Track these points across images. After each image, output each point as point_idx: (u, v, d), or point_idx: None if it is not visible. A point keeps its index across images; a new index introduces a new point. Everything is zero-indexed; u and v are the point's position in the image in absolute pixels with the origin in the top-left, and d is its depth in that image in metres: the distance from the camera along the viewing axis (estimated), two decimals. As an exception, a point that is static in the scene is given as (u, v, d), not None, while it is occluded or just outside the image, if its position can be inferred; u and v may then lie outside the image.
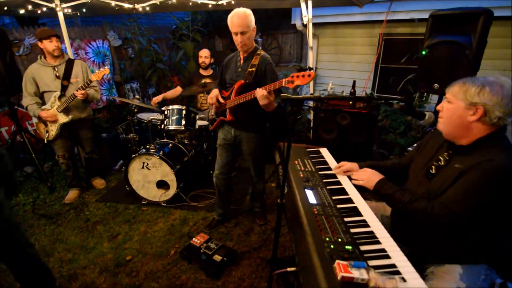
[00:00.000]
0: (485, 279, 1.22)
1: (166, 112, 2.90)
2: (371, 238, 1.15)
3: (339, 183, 1.55)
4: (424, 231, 1.31)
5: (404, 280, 0.95)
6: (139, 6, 3.60)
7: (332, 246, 1.04)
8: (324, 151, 1.93)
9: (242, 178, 3.39)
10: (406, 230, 1.36)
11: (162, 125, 2.91)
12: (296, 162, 1.72)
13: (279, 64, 7.25)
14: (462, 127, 1.19)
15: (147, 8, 3.63)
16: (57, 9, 3.21)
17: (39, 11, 3.38)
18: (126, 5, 3.57)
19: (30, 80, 2.73)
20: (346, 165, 1.62)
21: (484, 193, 1.10)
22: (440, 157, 1.29)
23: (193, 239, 2.32)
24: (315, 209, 1.26)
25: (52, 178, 3.47)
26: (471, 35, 2.10)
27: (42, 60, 2.76)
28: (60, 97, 2.77)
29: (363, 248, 1.07)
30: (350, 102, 3.11)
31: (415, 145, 2.06)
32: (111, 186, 3.43)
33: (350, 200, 1.40)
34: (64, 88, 2.79)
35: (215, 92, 2.22)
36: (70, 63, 2.83)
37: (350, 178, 1.58)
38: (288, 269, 1.20)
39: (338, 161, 1.72)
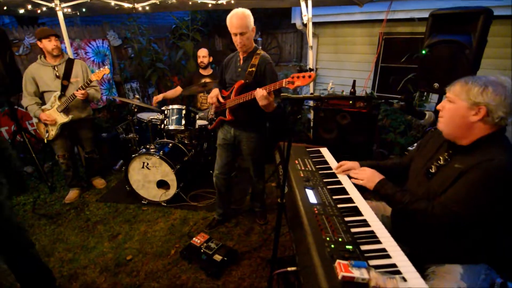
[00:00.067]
0: (485, 279, 1.22)
1: (166, 112, 2.90)
2: (372, 237, 1.15)
3: (339, 182, 1.55)
4: (425, 231, 1.31)
5: (404, 279, 0.95)
6: (138, 6, 3.59)
7: (332, 246, 1.04)
8: (324, 151, 1.93)
9: (242, 178, 3.39)
10: (407, 230, 1.36)
11: (162, 125, 2.91)
12: (297, 161, 1.72)
13: (279, 63, 7.25)
14: (464, 127, 1.18)
15: (147, 8, 3.62)
16: (57, 8, 3.21)
17: (38, 11, 3.37)
18: (126, 5, 3.57)
19: (30, 80, 2.72)
20: (347, 164, 1.62)
21: (484, 193, 1.10)
22: (440, 157, 1.29)
23: (194, 239, 2.32)
24: (315, 209, 1.26)
25: (52, 178, 3.47)
26: (471, 34, 2.09)
27: (42, 59, 2.76)
28: (60, 97, 2.77)
29: (363, 247, 1.07)
30: (350, 102, 3.11)
31: (415, 144, 2.06)
32: (111, 186, 3.44)
33: (350, 200, 1.40)
34: (64, 88, 2.79)
35: (215, 91, 2.22)
36: (70, 63, 2.83)
37: (350, 178, 1.58)
38: (289, 268, 1.20)
39: (338, 160, 1.72)
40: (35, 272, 1.83)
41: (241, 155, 2.43)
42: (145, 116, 3.40)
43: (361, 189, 1.48)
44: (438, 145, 1.36)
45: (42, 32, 2.67)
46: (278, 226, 1.40)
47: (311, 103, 3.61)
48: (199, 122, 3.18)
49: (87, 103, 3.04)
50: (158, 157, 2.77)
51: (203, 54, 3.65)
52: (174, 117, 2.88)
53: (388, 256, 1.06)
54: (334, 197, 1.38)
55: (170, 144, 3.12)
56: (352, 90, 3.37)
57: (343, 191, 1.47)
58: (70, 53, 3.37)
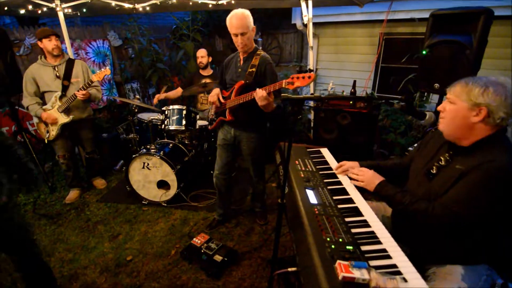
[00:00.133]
0: (486, 280, 1.21)
1: (166, 112, 2.91)
2: (372, 238, 1.15)
3: (340, 183, 1.55)
4: (425, 232, 1.30)
5: (405, 280, 0.95)
6: (139, 6, 3.59)
7: (333, 246, 1.04)
8: (325, 151, 1.93)
9: (242, 178, 3.39)
10: (407, 230, 1.36)
11: (163, 125, 2.91)
12: (297, 162, 1.72)
13: (280, 64, 7.25)
14: (465, 128, 1.18)
15: (147, 8, 3.63)
16: (57, 9, 3.21)
17: (39, 11, 3.38)
18: (127, 5, 3.57)
19: (30, 80, 2.73)
20: (347, 164, 1.62)
21: (485, 194, 1.10)
22: (441, 157, 1.29)
23: (194, 239, 2.32)
24: (316, 209, 1.26)
25: (52, 178, 3.47)
26: (471, 34, 2.09)
27: (42, 60, 2.77)
28: (61, 97, 2.77)
29: (364, 248, 1.07)
30: (351, 102, 3.11)
31: (415, 145, 2.06)
32: (112, 186, 3.44)
33: (351, 200, 1.40)
34: (64, 88, 2.79)
35: (216, 90, 2.22)
36: (70, 63, 2.83)
37: (351, 179, 1.58)
38: (289, 269, 1.20)
39: (338, 161, 1.71)
40: (37, 272, 1.84)
41: (241, 155, 2.43)
42: (145, 116, 3.40)
43: (361, 189, 1.48)
44: (439, 145, 1.36)
45: (43, 32, 2.67)
46: (279, 226, 1.40)
47: (311, 103, 3.62)
48: (200, 123, 3.18)
49: (88, 103, 3.05)
50: (158, 157, 2.77)
51: (201, 54, 3.64)
52: (174, 118, 2.88)
53: (388, 257, 1.06)
54: (334, 197, 1.38)
55: (171, 145, 3.12)
56: (352, 90, 3.37)
57: (344, 191, 1.47)
58: (70, 53, 3.38)
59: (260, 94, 1.83)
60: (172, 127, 2.88)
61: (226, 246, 2.28)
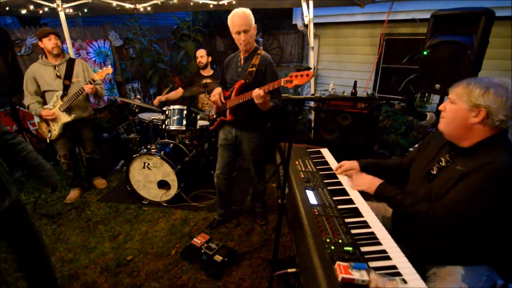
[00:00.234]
0: (486, 280, 1.21)
1: (167, 112, 2.91)
2: (372, 239, 1.15)
3: (340, 183, 1.55)
4: (426, 232, 1.30)
5: (405, 281, 0.95)
6: (140, 6, 3.60)
7: (332, 247, 1.04)
8: (325, 152, 1.93)
9: (243, 178, 3.39)
10: (407, 231, 1.36)
11: (163, 125, 2.91)
12: (297, 162, 1.72)
13: (280, 64, 7.25)
14: (464, 128, 1.18)
15: (148, 8, 3.63)
16: (59, 9, 3.22)
17: (40, 11, 3.39)
18: (128, 5, 3.58)
19: (31, 80, 2.73)
20: (346, 164, 1.62)
21: (486, 195, 1.10)
22: (442, 158, 1.29)
23: (194, 239, 2.32)
24: (315, 210, 1.26)
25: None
26: (472, 35, 2.09)
27: (43, 59, 2.77)
28: (62, 97, 2.78)
29: (363, 249, 1.07)
30: (352, 103, 3.10)
31: (416, 145, 2.05)
32: (112, 186, 3.44)
33: (351, 201, 1.39)
34: (65, 88, 2.80)
35: (218, 90, 2.21)
36: (71, 63, 2.84)
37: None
38: (289, 270, 1.20)
39: (339, 161, 1.71)
40: (39, 271, 1.85)
41: (242, 155, 2.43)
42: (146, 116, 3.40)
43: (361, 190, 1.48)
44: (440, 146, 1.36)
45: (42, 32, 2.69)
46: (279, 227, 1.40)
47: (312, 104, 3.61)
48: (200, 123, 3.19)
49: (88, 103, 3.06)
50: (159, 157, 2.77)
51: (201, 54, 3.65)
52: (175, 118, 2.88)
53: (388, 258, 1.06)
54: (334, 198, 1.38)
55: (171, 145, 3.12)
56: (353, 91, 3.37)
57: (344, 192, 1.47)
58: (71, 53, 3.38)
59: (256, 92, 1.83)
60: (172, 127, 2.88)
61: (226, 246, 2.28)
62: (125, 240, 2.53)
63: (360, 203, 1.37)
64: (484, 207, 1.11)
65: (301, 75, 1.64)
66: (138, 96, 3.46)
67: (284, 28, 7.32)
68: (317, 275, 0.94)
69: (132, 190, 3.00)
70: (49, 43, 2.68)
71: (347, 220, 1.23)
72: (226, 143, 2.35)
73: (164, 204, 2.97)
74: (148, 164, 2.85)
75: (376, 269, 0.97)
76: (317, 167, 1.68)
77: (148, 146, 2.92)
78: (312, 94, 3.96)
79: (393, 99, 3.90)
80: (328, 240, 1.08)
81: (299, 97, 1.30)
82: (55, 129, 2.82)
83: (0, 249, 2.36)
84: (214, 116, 2.39)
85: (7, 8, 3.25)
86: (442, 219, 1.17)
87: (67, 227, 2.73)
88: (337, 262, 0.95)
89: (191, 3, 3.57)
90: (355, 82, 3.40)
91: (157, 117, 3.16)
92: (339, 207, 1.31)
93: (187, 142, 3.30)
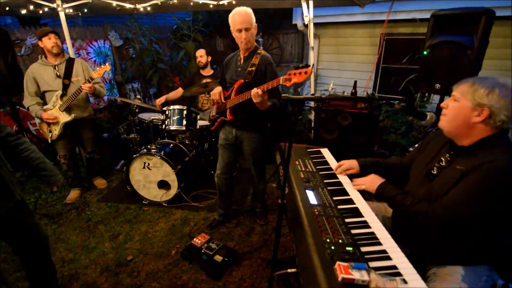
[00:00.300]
0: (487, 280, 1.21)
1: (167, 112, 2.91)
2: (372, 239, 1.15)
3: (340, 183, 1.55)
4: (426, 232, 1.30)
5: (405, 281, 0.95)
6: (140, 6, 3.60)
7: (332, 247, 1.04)
8: (325, 152, 1.93)
9: (243, 178, 3.39)
10: (408, 231, 1.36)
11: (163, 125, 2.91)
12: (297, 162, 1.72)
13: (280, 64, 7.25)
14: (465, 126, 1.18)
15: (148, 8, 3.63)
16: (59, 9, 3.22)
17: (40, 11, 3.39)
18: (127, 5, 3.58)
19: (31, 80, 2.73)
20: (346, 163, 1.62)
21: (486, 195, 1.10)
22: (442, 158, 1.29)
23: (194, 239, 2.32)
24: (315, 210, 1.26)
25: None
26: (472, 35, 2.09)
27: (43, 59, 2.77)
28: (62, 96, 2.78)
29: (364, 249, 1.07)
30: (352, 103, 3.10)
31: (416, 145, 2.05)
32: (112, 186, 3.44)
33: (351, 201, 1.39)
34: (65, 87, 2.79)
35: (218, 89, 2.21)
36: (70, 62, 2.84)
37: (351, 178, 1.57)
38: (289, 270, 1.20)
39: (339, 161, 1.71)
40: (41, 271, 1.85)
41: (243, 155, 2.43)
42: (146, 116, 3.40)
43: (362, 190, 1.47)
44: (440, 146, 1.36)
45: (42, 31, 2.69)
46: (279, 227, 1.39)
47: (312, 103, 3.61)
48: (200, 123, 3.18)
49: (88, 103, 3.05)
50: (159, 157, 2.77)
51: (200, 54, 3.65)
52: (175, 118, 2.88)
53: (388, 258, 1.06)
54: (334, 198, 1.38)
55: (171, 145, 3.12)
56: (353, 90, 3.37)
57: (344, 192, 1.47)
58: (71, 53, 3.39)
59: (254, 91, 1.83)
60: (172, 127, 2.88)
61: (226, 246, 2.28)
62: (125, 240, 2.53)
63: (360, 203, 1.37)
64: (484, 206, 1.11)
65: (300, 73, 1.64)
66: (138, 96, 3.46)
67: (284, 28, 7.32)
68: (317, 275, 0.94)
69: (132, 190, 3.00)
70: (49, 42, 2.68)
71: (347, 220, 1.23)
72: (227, 143, 2.35)
73: (164, 204, 2.97)
74: (148, 164, 2.85)
75: (376, 269, 0.97)
76: (317, 167, 1.68)
77: (148, 146, 2.92)
78: (312, 94, 3.96)
79: (393, 99, 3.90)
80: (328, 240, 1.08)
81: (299, 97, 1.30)
82: (56, 129, 2.82)
83: (0, 249, 2.37)
84: (215, 116, 2.39)
85: (7, 8, 3.25)
86: (442, 219, 1.17)
87: (67, 227, 2.73)
88: (337, 262, 0.95)
89: (191, 3, 3.57)
90: (355, 82, 3.40)
91: (157, 117, 3.16)
92: (339, 207, 1.31)
93: (187, 142, 3.30)
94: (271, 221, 2.68)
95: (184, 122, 2.87)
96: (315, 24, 4.51)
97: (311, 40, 3.51)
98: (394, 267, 1.02)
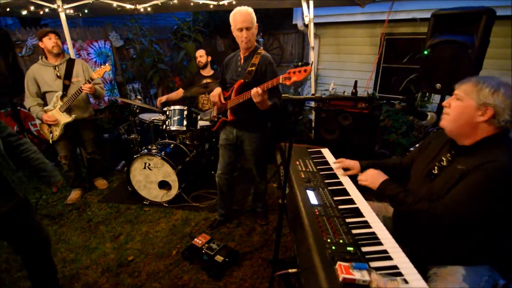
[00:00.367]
0: (488, 280, 1.21)
1: (167, 113, 2.90)
2: (373, 239, 1.14)
3: (340, 183, 1.55)
4: (427, 232, 1.30)
5: (406, 281, 0.95)
6: (140, 7, 3.60)
7: (333, 247, 1.04)
8: (326, 152, 1.93)
9: (243, 178, 3.39)
10: (408, 231, 1.35)
11: (164, 126, 2.91)
12: (298, 162, 1.72)
13: (281, 64, 7.25)
14: (468, 126, 1.17)
15: (149, 9, 3.63)
16: (59, 10, 3.23)
17: (41, 12, 3.39)
18: (128, 6, 3.58)
19: (32, 80, 2.74)
20: (346, 161, 1.62)
21: (486, 195, 1.09)
22: (443, 158, 1.29)
23: (195, 239, 2.32)
24: (316, 210, 1.26)
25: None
26: (473, 34, 2.08)
27: (43, 60, 2.78)
28: (62, 97, 2.78)
29: (364, 249, 1.07)
30: (352, 103, 3.10)
31: (417, 145, 2.05)
32: (113, 187, 3.44)
33: (351, 201, 1.39)
34: (65, 88, 2.80)
35: (217, 90, 2.21)
36: (70, 63, 2.84)
37: (351, 179, 1.57)
38: (290, 270, 1.20)
39: (340, 161, 1.71)
40: (44, 271, 1.85)
41: (244, 156, 2.43)
42: (147, 117, 3.41)
43: (362, 190, 1.47)
44: (441, 146, 1.35)
45: (42, 32, 2.70)
46: (280, 227, 1.39)
47: (312, 103, 3.61)
48: (201, 123, 3.18)
49: (89, 103, 3.06)
50: (159, 157, 2.77)
51: (200, 54, 3.65)
52: (175, 118, 2.88)
53: (389, 258, 1.06)
54: (335, 198, 1.38)
55: (172, 145, 3.12)
56: (353, 90, 3.36)
57: (344, 192, 1.47)
58: (72, 54, 3.39)
59: (254, 91, 1.83)
60: (173, 128, 2.87)
61: (227, 247, 2.28)
62: (126, 240, 2.53)
63: (361, 203, 1.37)
64: (484, 206, 1.10)
65: (299, 71, 1.64)
66: (139, 97, 3.46)
67: (284, 28, 7.32)
68: (318, 275, 0.94)
69: (133, 191, 3.00)
70: (49, 42, 2.68)
71: (348, 220, 1.22)
72: (227, 143, 2.35)
73: (165, 204, 2.97)
74: (149, 164, 2.86)
75: (377, 269, 0.96)
76: (318, 167, 1.68)
77: (149, 147, 2.92)
78: (313, 94, 3.96)
79: (394, 98, 3.88)
80: (329, 240, 1.08)
81: (299, 97, 1.30)
82: (56, 129, 2.82)
83: (1, 249, 2.37)
84: (216, 117, 2.39)
85: (8, 9, 3.26)
86: (443, 218, 1.16)
87: (68, 228, 2.73)
88: (338, 262, 0.95)
89: (191, 4, 3.57)
90: (356, 82, 3.40)
91: (157, 118, 3.16)
92: (340, 207, 1.31)
93: (187, 142, 3.30)
94: (272, 221, 2.68)
95: (185, 123, 2.87)
96: (316, 24, 4.52)
97: (312, 40, 3.51)
98: (395, 267, 1.01)
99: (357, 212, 1.31)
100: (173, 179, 2.87)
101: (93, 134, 3.19)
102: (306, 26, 3.68)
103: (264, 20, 7.12)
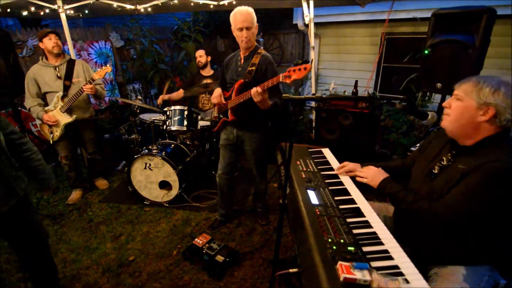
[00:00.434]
0: (488, 280, 1.21)
1: (168, 113, 2.91)
2: (374, 239, 1.14)
3: (341, 183, 1.54)
4: (427, 232, 1.30)
5: (407, 281, 0.95)
6: (141, 7, 3.61)
7: (334, 247, 1.04)
8: (326, 151, 1.93)
9: (244, 178, 3.39)
10: (409, 231, 1.35)
11: (164, 126, 2.92)
12: (298, 162, 1.72)
13: (281, 64, 7.24)
14: (470, 126, 1.17)
15: (149, 9, 3.64)
16: (60, 10, 3.23)
17: (41, 13, 3.40)
18: (128, 6, 3.59)
19: (32, 81, 2.74)
20: (349, 165, 1.62)
21: (487, 194, 1.09)
22: (444, 157, 1.28)
23: (196, 239, 2.32)
24: (317, 210, 1.26)
25: (55, 178, 3.48)
26: (474, 34, 2.08)
27: (44, 61, 2.78)
28: (62, 98, 2.79)
29: (365, 249, 1.07)
30: (353, 102, 3.10)
31: (418, 145, 2.05)
32: (114, 187, 3.45)
33: (352, 201, 1.39)
34: (66, 88, 2.80)
35: (218, 91, 2.21)
36: (71, 63, 2.84)
37: (352, 179, 1.57)
38: (290, 270, 1.20)
39: (340, 161, 1.71)
40: (44, 271, 1.85)
41: (244, 156, 2.43)
42: (147, 117, 3.41)
43: (363, 190, 1.47)
44: (441, 145, 1.35)
45: (42, 32, 2.70)
46: (280, 227, 1.39)
47: (313, 103, 3.61)
48: (201, 123, 3.19)
49: (90, 104, 3.06)
50: (160, 158, 2.78)
51: (200, 54, 3.66)
52: (176, 118, 2.88)
53: (390, 258, 1.05)
54: (336, 198, 1.37)
55: (172, 145, 3.12)
56: (354, 90, 3.36)
57: (345, 192, 1.47)
58: (73, 54, 3.39)
59: (254, 90, 1.83)
60: (173, 128, 2.88)
61: (227, 247, 2.28)
62: (127, 240, 2.53)
63: (362, 203, 1.37)
64: (485, 206, 1.10)
65: (299, 69, 1.63)
66: (139, 97, 3.47)
67: (284, 28, 7.31)
68: (319, 275, 0.94)
69: (133, 191, 3.01)
70: (49, 42, 2.69)
71: (348, 220, 1.22)
72: (228, 143, 2.35)
73: (165, 204, 2.97)
74: (150, 164, 2.86)
75: (378, 269, 0.96)
76: (319, 167, 1.68)
77: (150, 147, 2.92)
78: (313, 94, 3.96)
79: (394, 98, 3.90)
80: (330, 240, 1.08)
81: (300, 97, 1.30)
82: (57, 130, 2.83)
83: (1, 250, 2.37)
84: (217, 118, 2.39)
85: (9, 10, 3.26)
86: (443, 217, 1.16)
87: (69, 228, 2.73)
88: (339, 262, 0.95)
89: (192, 4, 3.58)
90: (356, 81, 3.40)
91: (158, 118, 3.16)
92: (341, 207, 1.31)
93: (188, 142, 3.30)
94: (272, 221, 2.68)
95: (185, 123, 2.87)
96: (316, 24, 4.52)
97: (312, 40, 3.51)
98: (396, 267, 1.01)
99: (358, 212, 1.31)
100: (173, 179, 2.87)
101: (94, 134, 3.19)
102: (307, 26, 3.68)
103: (264, 20, 7.12)
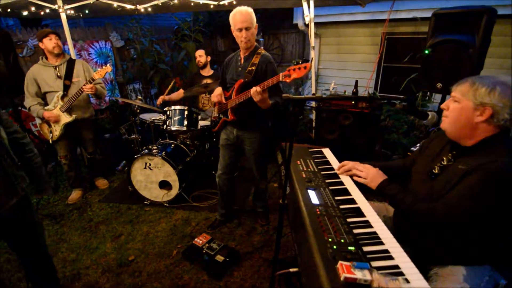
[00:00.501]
0: (489, 280, 1.20)
1: (168, 113, 2.91)
2: (374, 238, 1.14)
3: (341, 183, 1.54)
4: (427, 232, 1.30)
5: (407, 281, 0.95)
6: (141, 7, 3.61)
7: (334, 247, 1.04)
8: (327, 151, 1.92)
9: (244, 178, 3.39)
10: (409, 230, 1.35)
11: (165, 126, 2.92)
12: (299, 162, 1.71)
13: (281, 64, 7.24)
14: (468, 127, 1.17)
15: (149, 9, 3.64)
16: (60, 10, 3.23)
17: (42, 13, 3.40)
18: (128, 6, 3.59)
19: (32, 81, 2.74)
20: (349, 164, 1.62)
21: (486, 195, 1.09)
22: (444, 158, 1.28)
23: (196, 239, 2.32)
24: (317, 210, 1.25)
25: (55, 178, 3.49)
26: (474, 33, 2.08)
27: (44, 60, 2.78)
28: (62, 97, 2.79)
29: (366, 249, 1.07)
30: (353, 102, 3.10)
31: (418, 145, 2.05)
32: (114, 187, 3.45)
33: (353, 201, 1.39)
34: (66, 88, 2.80)
35: (218, 90, 2.21)
36: (71, 63, 2.85)
37: (352, 179, 1.57)
38: (291, 269, 1.20)
39: (340, 161, 1.70)
40: (42, 271, 1.85)
41: (244, 155, 2.43)
42: (147, 117, 3.41)
43: (363, 189, 1.47)
44: (442, 146, 1.35)
45: (42, 33, 2.70)
46: (280, 227, 1.39)
47: (313, 103, 3.61)
48: (201, 123, 3.19)
49: (90, 103, 3.06)
50: (160, 157, 2.78)
51: (199, 54, 3.65)
52: (176, 118, 2.88)
53: (390, 258, 1.05)
54: (336, 198, 1.37)
55: (172, 145, 3.13)
56: (354, 90, 3.36)
57: (346, 192, 1.46)
58: (73, 54, 3.39)
59: (253, 89, 1.83)
60: (173, 128, 2.88)
61: (227, 247, 2.28)
62: (127, 240, 2.53)
63: (362, 203, 1.37)
64: (484, 206, 1.10)
65: (299, 68, 1.63)
66: (140, 97, 3.46)
67: (284, 28, 7.30)
68: (319, 275, 0.94)
69: (133, 191, 3.01)
70: (49, 43, 2.69)
71: (349, 220, 1.22)
72: (228, 143, 2.35)
73: (165, 204, 2.97)
74: (150, 164, 2.86)
75: (379, 268, 0.96)
76: (319, 167, 1.68)
77: (150, 147, 2.92)
78: (313, 94, 3.96)
79: (395, 98, 3.90)
80: (330, 239, 1.07)
81: (300, 97, 1.29)
82: (57, 129, 2.83)
83: (1, 250, 2.37)
84: (217, 118, 2.39)
85: (9, 10, 3.26)
86: (442, 218, 1.16)
87: (69, 228, 2.73)
88: (340, 262, 0.95)
89: (192, 4, 3.58)
90: (356, 81, 3.40)
91: (158, 118, 3.16)
92: (341, 207, 1.31)
93: (188, 142, 3.30)
94: (272, 221, 2.68)
95: (185, 123, 2.87)
96: (316, 24, 4.51)
97: (312, 40, 3.51)
98: (397, 266, 1.01)
99: (358, 212, 1.30)
100: (173, 179, 2.87)
101: (94, 134, 3.19)
102: (307, 25, 3.68)
103: (264, 20, 7.11)
